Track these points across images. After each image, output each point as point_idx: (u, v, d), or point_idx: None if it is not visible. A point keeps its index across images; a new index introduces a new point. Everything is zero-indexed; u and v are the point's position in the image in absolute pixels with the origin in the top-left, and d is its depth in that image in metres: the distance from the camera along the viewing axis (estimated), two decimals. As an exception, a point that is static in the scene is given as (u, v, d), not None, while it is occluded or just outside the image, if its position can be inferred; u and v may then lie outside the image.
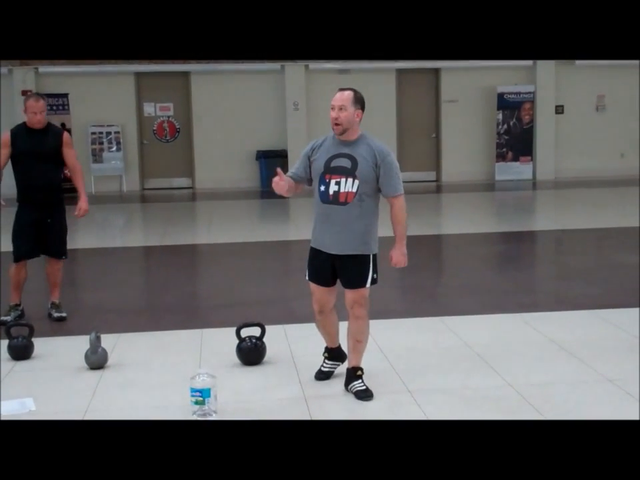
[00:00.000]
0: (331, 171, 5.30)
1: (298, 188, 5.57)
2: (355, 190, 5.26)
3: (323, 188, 5.34)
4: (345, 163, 5.28)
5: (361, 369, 5.52)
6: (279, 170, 5.37)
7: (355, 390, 5.46)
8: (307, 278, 5.61)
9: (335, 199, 5.29)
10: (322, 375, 5.77)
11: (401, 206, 5.36)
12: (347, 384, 5.54)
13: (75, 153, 7.60)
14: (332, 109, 5.32)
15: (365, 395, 5.41)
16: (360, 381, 5.49)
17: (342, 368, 5.77)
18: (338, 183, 5.27)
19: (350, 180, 5.26)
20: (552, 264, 10.71)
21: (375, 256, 5.41)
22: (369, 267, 5.37)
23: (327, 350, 5.84)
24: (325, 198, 5.34)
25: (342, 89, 5.39)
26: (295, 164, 5.58)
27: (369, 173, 5.26)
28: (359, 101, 5.34)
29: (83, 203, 7.51)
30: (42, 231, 7.40)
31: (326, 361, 5.83)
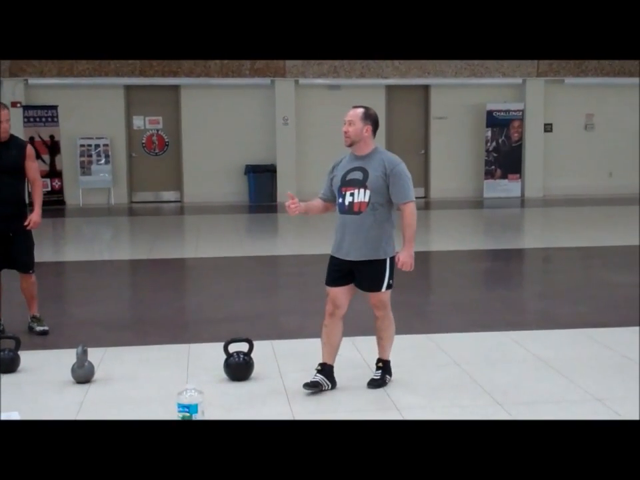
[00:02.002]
0: (346, 183, 5.74)
1: (328, 208, 6.06)
2: (367, 200, 5.66)
3: (340, 200, 5.79)
4: (358, 175, 5.71)
5: (383, 361, 5.99)
6: (289, 194, 5.86)
7: (371, 377, 5.96)
8: (325, 283, 5.93)
9: (350, 209, 5.72)
10: (309, 384, 5.80)
11: (411, 212, 5.74)
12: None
13: (37, 167, 7.51)
14: (344, 123, 5.74)
15: (372, 383, 5.91)
16: (379, 371, 5.98)
17: (337, 393, 5.77)
18: (352, 194, 5.71)
19: (362, 190, 5.67)
20: (540, 282, 10.71)
21: (391, 260, 5.77)
22: (385, 271, 5.76)
23: (321, 365, 5.90)
24: (342, 209, 5.78)
25: (355, 106, 5.81)
26: (323, 185, 6.01)
27: (378, 182, 5.65)
28: (369, 117, 5.75)
29: (35, 215, 7.31)
30: (7, 244, 7.32)
31: (317, 374, 5.86)
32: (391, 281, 5.78)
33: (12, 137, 7.34)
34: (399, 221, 5.83)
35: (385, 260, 5.73)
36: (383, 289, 5.76)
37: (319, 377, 5.83)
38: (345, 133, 5.71)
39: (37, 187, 7.45)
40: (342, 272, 5.80)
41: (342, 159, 5.90)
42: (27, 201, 7.50)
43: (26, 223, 7.29)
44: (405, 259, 5.71)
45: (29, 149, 7.39)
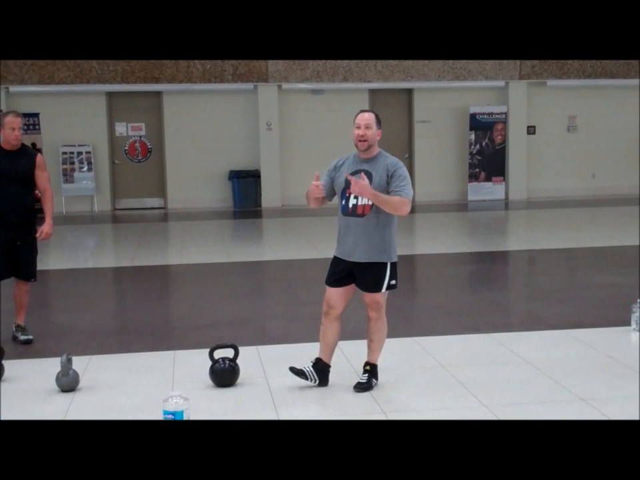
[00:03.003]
0: (350, 186, 5.68)
1: (323, 202, 6.02)
2: (371, 203, 5.71)
3: (343, 202, 5.83)
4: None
5: (370, 365, 5.98)
6: (317, 174, 5.87)
7: (357, 381, 5.94)
8: (325, 282, 5.97)
9: (354, 212, 5.78)
10: (295, 370, 5.94)
11: (403, 201, 5.66)
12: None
13: (47, 176, 7.51)
14: (357, 127, 5.78)
15: (359, 386, 5.90)
16: (366, 374, 5.96)
17: (322, 396, 5.72)
18: (356, 197, 5.75)
19: None
20: (525, 284, 10.73)
21: (393, 264, 5.87)
22: (385, 274, 5.82)
23: (316, 359, 6.02)
24: (345, 211, 5.83)
25: (363, 111, 5.91)
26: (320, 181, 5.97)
27: (382, 186, 5.71)
28: (379, 122, 5.87)
29: (46, 227, 7.37)
30: (13, 252, 7.31)
31: (310, 366, 5.96)
32: (393, 282, 5.86)
33: (23, 145, 7.37)
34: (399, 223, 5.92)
35: (386, 263, 5.81)
36: (383, 290, 5.83)
37: (308, 369, 5.93)
38: (363, 136, 5.74)
39: (47, 197, 7.47)
40: (342, 273, 5.87)
41: (345, 160, 5.95)
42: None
43: (37, 235, 7.36)
44: (359, 182, 5.57)
45: (39, 158, 7.42)
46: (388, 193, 5.70)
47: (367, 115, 5.82)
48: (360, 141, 5.77)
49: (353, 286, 5.91)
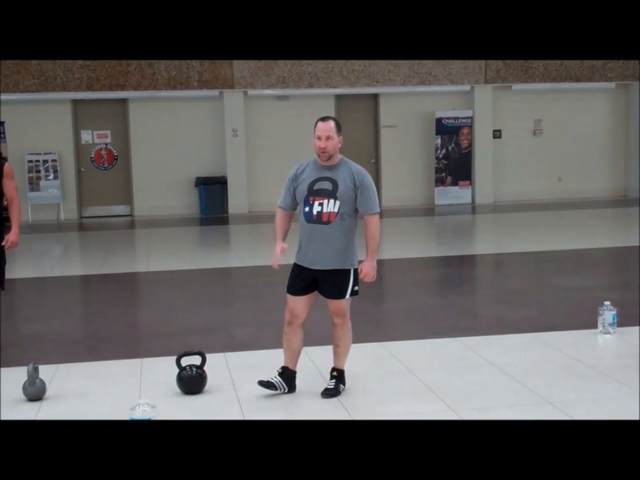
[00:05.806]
0: (314, 193, 5.76)
1: (291, 217, 6.02)
2: (336, 210, 5.72)
3: (307, 209, 5.78)
4: (327, 185, 5.75)
5: (337, 371, 5.98)
6: (285, 247, 5.90)
7: (325, 387, 5.94)
8: (285, 291, 5.94)
9: (319, 219, 5.74)
10: (264, 383, 5.90)
11: (376, 224, 5.81)
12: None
13: (15, 185, 7.45)
14: (318, 138, 5.73)
15: (326, 392, 5.89)
16: (333, 380, 5.96)
17: (290, 403, 5.71)
18: (321, 204, 5.74)
19: (332, 201, 5.72)
20: (492, 288, 10.78)
21: (355, 270, 5.85)
22: (349, 280, 5.82)
23: (282, 368, 6.00)
24: (309, 218, 5.77)
25: (323, 119, 5.84)
26: (281, 193, 5.98)
27: (348, 194, 5.73)
28: (340, 128, 5.85)
29: (12, 235, 7.29)
30: None
31: (277, 375, 5.94)
32: (355, 288, 5.85)
33: None
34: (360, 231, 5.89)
35: (349, 270, 5.81)
36: (347, 296, 5.82)
37: (276, 379, 5.91)
38: (324, 148, 5.70)
39: (14, 206, 7.40)
40: (306, 281, 5.84)
41: (304, 167, 5.90)
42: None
43: (3, 243, 7.26)
44: (368, 270, 5.78)
45: (7, 167, 7.35)
46: (355, 200, 5.72)
47: (326, 124, 5.75)
48: (322, 153, 5.72)
49: (316, 292, 5.90)
